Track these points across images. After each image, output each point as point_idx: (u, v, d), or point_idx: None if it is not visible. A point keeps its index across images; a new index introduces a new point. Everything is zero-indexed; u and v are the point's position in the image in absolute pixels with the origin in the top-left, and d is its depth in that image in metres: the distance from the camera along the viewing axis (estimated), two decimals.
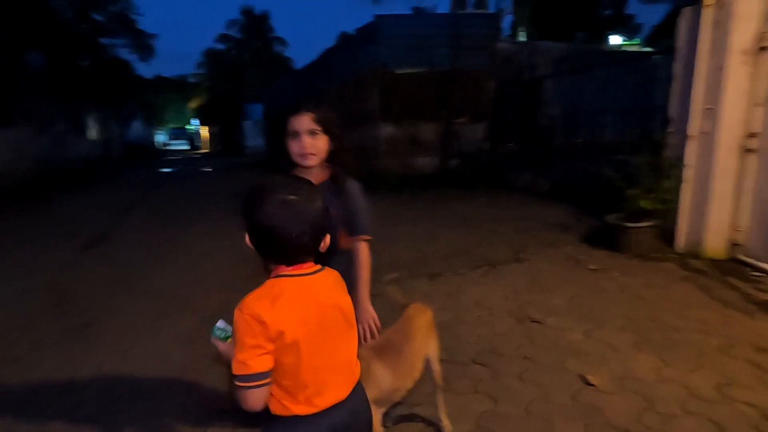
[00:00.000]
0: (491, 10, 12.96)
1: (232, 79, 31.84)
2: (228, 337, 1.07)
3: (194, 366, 2.63)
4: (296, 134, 1.62)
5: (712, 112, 3.94)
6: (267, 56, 33.75)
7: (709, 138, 3.99)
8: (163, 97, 38.12)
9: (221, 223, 6.55)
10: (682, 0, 4.32)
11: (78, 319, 3.40)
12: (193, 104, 39.72)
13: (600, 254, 4.48)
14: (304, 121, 1.61)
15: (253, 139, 24.80)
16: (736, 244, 4.04)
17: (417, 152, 10.00)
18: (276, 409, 1.03)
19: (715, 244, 4.10)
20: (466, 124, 9.76)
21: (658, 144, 4.47)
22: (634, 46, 12.84)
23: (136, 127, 30.53)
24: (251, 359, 0.95)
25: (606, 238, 4.67)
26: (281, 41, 35.67)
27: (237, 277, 4.14)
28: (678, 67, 4.29)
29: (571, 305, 3.34)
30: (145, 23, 25.04)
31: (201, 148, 38.49)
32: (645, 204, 4.18)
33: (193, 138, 43.73)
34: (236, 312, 0.97)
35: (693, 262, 4.09)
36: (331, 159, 1.69)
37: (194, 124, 43.63)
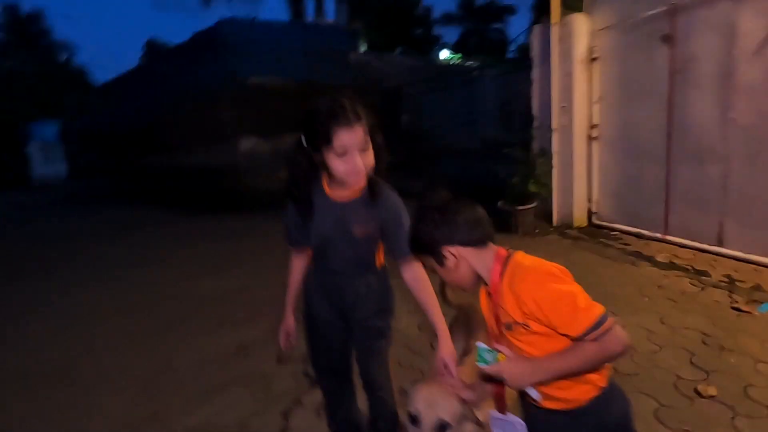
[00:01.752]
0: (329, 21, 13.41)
1: None
2: (494, 359, 0.95)
3: None
4: (345, 152, 1.30)
5: (566, 109, 4.88)
6: (50, 65, 27.49)
7: (567, 130, 4.93)
8: None
9: None
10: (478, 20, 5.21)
11: None
12: None
13: (497, 237, 5.09)
14: (359, 135, 1.30)
15: (46, 165, 19.91)
16: (593, 213, 5.09)
17: (282, 167, 9.57)
18: (587, 395, 0.98)
19: (579, 215, 5.09)
20: None
21: (527, 138, 5.31)
22: (458, 59, 15.01)
23: None
24: (590, 300, 0.90)
25: (498, 223, 5.33)
26: (67, 47, 29.55)
27: None
28: (536, 73, 5.18)
29: None
30: None
31: None
32: (532, 188, 4.91)
33: None
34: (539, 280, 0.92)
35: (569, 231, 5.00)
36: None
37: None
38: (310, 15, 13.46)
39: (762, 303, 2.84)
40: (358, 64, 10.05)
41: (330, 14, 14.86)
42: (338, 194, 1.45)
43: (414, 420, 1.16)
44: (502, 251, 1.03)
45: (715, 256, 3.69)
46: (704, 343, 2.47)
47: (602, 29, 4.59)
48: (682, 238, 4.02)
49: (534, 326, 0.93)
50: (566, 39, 4.73)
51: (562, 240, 4.81)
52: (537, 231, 5.10)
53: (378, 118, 1.39)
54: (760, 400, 1.96)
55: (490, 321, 1.07)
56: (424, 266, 1.16)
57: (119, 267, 5.25)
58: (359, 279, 1.57)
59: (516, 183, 5.09)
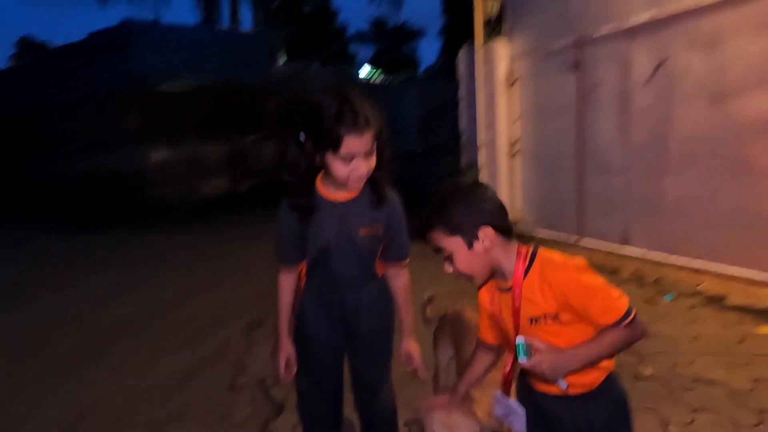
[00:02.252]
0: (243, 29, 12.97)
1: None
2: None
3: None
4: (350, 158, 1.25)
5: (491, 126, 5.30)
6: None
7: (492, 145, 5.34)
8: None
9: None
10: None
11: None
12: None
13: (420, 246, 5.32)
14: (367, 141, 1.26)
15: None
16: (516, 221, 5.55)
17: (199, 176, 8.96)
18: (600, 378, 1.05)
19: None
20: (253, 143, 9.43)
21: (450, 150, 5.65)
22: (379, 76, 15.42)
23: None
24: (618, 290, 0.97)
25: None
26: None
27: None
28: (462, 92, 5.56)
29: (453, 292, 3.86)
30: None
31: None
32: None
33: None
34: (574, 273, 0.98)
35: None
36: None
37: None
38: (224, 22, 12.91)
39: (667, 293, 3.33)
40: (280, 75, 9.86)
41: (246, 23, 14.43)
42: (336, 195, 1.40)
43: None
44: (524, 248, 1.05)
45: (623, 256, 4.25)
46: None
47: (520, 55, 5.10)
48: (595, 239, 4.57)
49: (564, 316, 0.98)
50: (489, 62, 5.16)
51: None
52: None
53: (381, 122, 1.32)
54: (686, 374, 2.30)
55: (504, 316, 1.08)
56: (440, 253, 1.05)
57: (11, 293, 4.49)
58: (362, 287, 1.53)
59: None
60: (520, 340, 0.98)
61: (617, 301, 0.95)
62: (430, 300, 2.12)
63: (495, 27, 5.20)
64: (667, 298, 3.27)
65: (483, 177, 5.46)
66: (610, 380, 1.08)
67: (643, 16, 3.81)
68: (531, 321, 1.02)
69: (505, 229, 1.03)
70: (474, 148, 5.46)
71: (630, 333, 0.96)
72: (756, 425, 1.92)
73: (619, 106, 4.15)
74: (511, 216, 4.90)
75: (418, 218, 1.10)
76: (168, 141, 8.53)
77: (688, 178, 3.73)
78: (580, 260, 1.01)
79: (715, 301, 3.14)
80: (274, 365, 2.13)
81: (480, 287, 1.12)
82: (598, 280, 0.97)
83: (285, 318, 1.59)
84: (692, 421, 1.97)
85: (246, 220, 7.90)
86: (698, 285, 3.42)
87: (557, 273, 0.99)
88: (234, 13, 13.92)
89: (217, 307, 3.84)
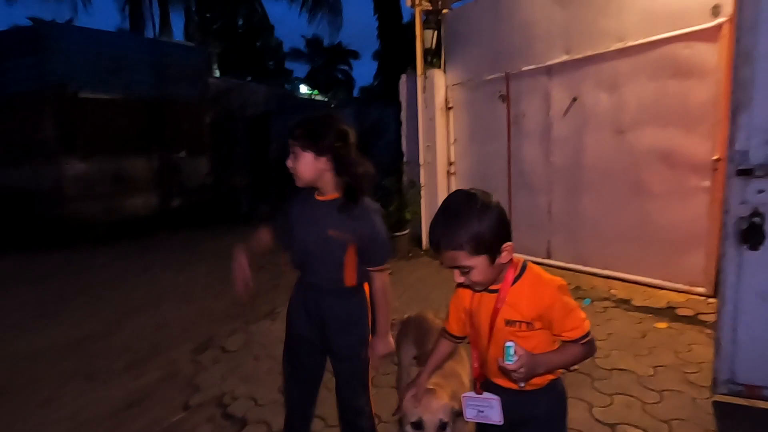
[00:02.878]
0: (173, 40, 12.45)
1: None
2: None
3: None
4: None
5: (431, 148, 5.67)
6: None
7: (432, 166, 5.71)
8: None
9: None
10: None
11: None
12: None
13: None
14: (292, 143, 1.56)
15: None
16: None
17: (125, 192, 8.38)
18: (549, 378, 1.22)
19: None
20: (186, 158, 9.04)
21: (398, 171, 5.93)
22: (317, 95, 15.49)
23: None
24: (584, 314, 1.14)
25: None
26: None
27: None
28: (403, 115, 5.89)
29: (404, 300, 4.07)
30: None
31: None
32: (407, 215, 5.48)
33: None
34: (555, 291, 1.12)
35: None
36: (342, 174, 1.56)
37: None
38: (151, 32, 12.30)
39: (585, 298, 3.81)
40: (216, 88, 9.62)
41: (177, 35, 13.86)
42: (319, 195, 1.62)
43: (419, 426, 1.32)
44: (518, 259, 1.17)
45: (546, 267, 4.75)
46: None
47: (455, 85, 5.56)
48: (522, 254, 5.04)
49: (537, 324, 1.14)
50: (429, 89, 5.57)
51: (432, 261, 5.46)
52: (410, 255, 5.68)
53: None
54: (604, 365, 2.67)
55: (480, 313, 1.20)
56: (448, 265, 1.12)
57: None
58: (335, 295, 1.64)
59: (393, 212, 5.61)
60: (510, 344, 1.06)
61: (583, 322, 1.13)
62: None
63: (433, 57, 5.63)
64: (585, 303, 3.74)
65: (424, 195, 5.80)
66: (557, 380, 1.25)
67: (560, 58, 4.40)
68: (507, 323, 1.15)
69: (511, 241, 1.12)
70: (415, 167, 5.80)
71: (587, 349, 1.15)
72: (658, 402, 2.31)
73: (542, 134, 4.71)
74: None
75: (435, 234, 1.12)
76: (88, 153, 7.90)
77: (598, 198, 4.32)
78: (561, 281, 1.16)
79: (623, 303, 3.67)
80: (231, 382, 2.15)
81: (477, 292, 1.21)
82: (572, 302, 1.14)
83: (256, 237, 1.71)
84: (611, 403, 2.32)
85: (178, 239, 7.55)
86: (610, 290, 3.95)
87: (546, 289, 1.13)
88: (164, 24, 13.36)
89: (158, 330, 3.67)
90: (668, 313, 3.42)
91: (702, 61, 3.46)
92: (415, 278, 4.80)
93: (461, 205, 1.11)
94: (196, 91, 9.21)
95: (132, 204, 8.38)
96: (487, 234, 1.08)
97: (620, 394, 2.39)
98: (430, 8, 5.52)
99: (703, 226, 3.59)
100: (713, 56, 3.39)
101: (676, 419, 2.15)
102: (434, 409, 1.32)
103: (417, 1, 5.39)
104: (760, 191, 2.03)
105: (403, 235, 5.60)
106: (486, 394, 1.25)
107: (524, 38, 4.71)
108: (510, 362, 1.04)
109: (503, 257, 1.11)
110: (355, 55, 27.24)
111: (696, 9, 3.41)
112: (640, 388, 2.44)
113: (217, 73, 11.58)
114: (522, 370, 1.05)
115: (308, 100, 13.17)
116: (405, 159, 5.97)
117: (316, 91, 16.39)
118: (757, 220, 2.04)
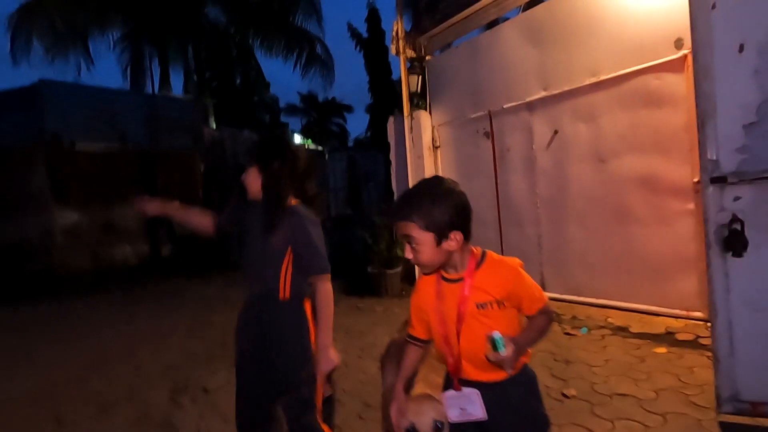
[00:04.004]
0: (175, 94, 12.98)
1: None
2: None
3: None
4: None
5: None
6: None
7: None
8: None
9: None
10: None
11: None
12: None
13: (371, 300, 5.39)
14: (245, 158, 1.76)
15: None
16: None
17: (115, 241, 8.33)
18: (521, 363, 1.25)
19: None
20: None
21: (378, 209, 5.98)
22: (311, 144, 15.95)
23: None
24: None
25: (368, 286, 5.65)
26: None
27: None
28: (392, 155, 6.03)
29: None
30: None
31: None
32: (399, 252, 5.44)
33: None
34: (517, 269, 1.18)
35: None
36: (268, 187, 1.69)
37: None
38: (151, 90, 12.83)
39: (581, 327, 3.71)
40: (210, 138, 9.88)
41: (177, 91, 14.44)
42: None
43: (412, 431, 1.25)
44: (477, 249, 1.24)
45: None
46: (555, 359, 3.10)
47: (441, 125, 5.75)
48: None
49: (506, 303, 1.18)
50: (416, 129, 5.75)
51: None
52: (403, 292, 5.57)
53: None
54: (603, 391, 2.56)
55: (446, 303, 1.21)
56: (406, 237, 1.16)
57: None
58: (270, 309, 1.64)
59: (383, 249, 5.58)
60: (497, 335, 1.07)
61: (541, 293, 1.21)
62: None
63: (419, 100, 5.87)
64: (582, 331, 3.64)
65: None
66: (525, 367, 1.27)
67: (538, 94, 4.60)
68: (478, 306, 1.18)
69: (469, 234, 1.20)
70: None
71: (549, 317, 1.20)
72: (662, 425, 2.19)
73: (527, 167, 4.81)
74: None
75: (395, 204, 1.22)
76: (80, 203, 7.95)
77: (585, 228, 4.33)
78: (519, 261, 1.23)
79: (620, 330, 3.57)
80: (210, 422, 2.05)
81: (426, 275, 1.26)
82: (530, 278, 1.21)
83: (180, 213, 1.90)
84: (612, 429, 2.19)
85: (168, 286, 7.42)
86: (607, 319, 3.86)
87: (509, 269, 1.21)
88: (164, 82, 13.95)
89: (134, 374, 3.51)
90: (667, 338, 3.33)
91: (671, 90, 3.63)
92: (407, 315, 4.67)
93: (425, 185, 1.21)
94: (190, 142, 9.45)
95: (122, 252, 8.31)
96: (437, 214, 1.14)
97: (622, 419, 2.27)
98: (414, 56, 5.83)
99: (692, 249, 3.58)
100: (681, 85, 3.55)
101: None
102: (424, 411, 1.25)
103: (401, 50, 5.71)
104: (737, 198, 2.06)
105: (395, 272, 5.53)
106: (465, 389, 1.22)
107: (503, 78, 4.94)
108: (503, 351, 1.06)
109: (450, 244, 1.16)
110: (349, 109, 28.41)
111: (661, 42, 3.62)
112: (643, 412, 2.32)
113: (213, 126, 11.94)
114: (513, 356, 1.08)
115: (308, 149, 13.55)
116: (395, 197, 6.02)
117: (309, 140, 16.88)
118: (737, 226, 2.05)
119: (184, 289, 7.05)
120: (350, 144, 27.84)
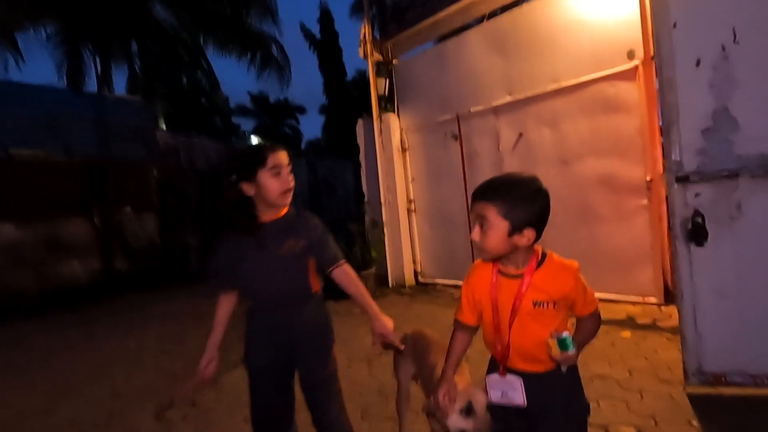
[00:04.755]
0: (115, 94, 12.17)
1: None
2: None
3: None
4: (279, 170, 1.57)
5: (391, 188, 5.86)
6: None
7: (393, 204, 5.87)
8: None
9: None
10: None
11: None
12: None
13: (347, 303, 5.40)
14: (284, 156, 1.62)
15: None
16: (418, 272, 6.01)
17: (62, 257, 7.71)
18: None
19: (409, 275, 5.93)
20: (131, 217, 8.58)
21: (361, 212, 6.03)
22: None
23: None
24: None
25: (341, 291, 5.66)
26: None
27: None
28: (362, 158, 6.09)
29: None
30: None
31: None
32: (373, 254, 5.51)
33: None
34: (576, 273, 1.23)
35: (403, 290, 5.74)
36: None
37: None
38: (91, 88, 11.98)
39: None
40: (165, 144, 9.42)
41: (119, 91, 13.58)
42: (266, 217, 1.63)
43: (469, 411, 1.31)
44: (538, 248, 1.27)
45: None
46: None
47: (410, 127, 5.89)
48: None
49: (560, 303, 1.23)
50: (385, 132, 5.85)
51: (401, 297, 5.48)
52: (377, 294, 5.65)
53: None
54: (584, 375, 2.77)
55: (501, 297, 1.26)
56: (479, 226, 1.20)
57: None
58: (301, 308, 1.66)
59: (357, 252, 5.63)
60: (567, 335, 1.15)
61: (594, 296, 1.27)
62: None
63: (387, 103, 5.98)
64: None
65: (387, 234, 5.90)
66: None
67: (504, 99, 4.86)
68: (534, 304, 1.22)
69: (540, 234, 1.22)
70: (377, 206, 5.93)
71: (599, 319, 1.29)
72: (640, 401, 2.42)
73: (495, 170, 5.05)
74: (413, 268, 5.46)
75: (483, 185, 1.22)
76: (19, 218, 7.29)
77: (551, 227, 4.45)
78: (577, 264, 1.26)
79: None
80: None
81: (484, 261, 1.30)
82: (585, 281, 1.26)
83: (217, 335, 1.70)
84: (598, 407, 2.39)
85: (125, 303, 7.01)
86: None
87: (569, 272, 1.24)
88: (105, 82, 13.09)
89: (112, 398, 3.30)
90: (629, 323, 3.65)
91: (626, 97, 3.98)
92: (394, 314, 4.74)
93: (518, 177, 1.23)
94: (143, 148, 8.96)
95: (70, 269, 7.71)
96: (521, 207, 1.17)
97: (604, 397, 2.48)
98: (381, 59, 5.93)
99: (647, 241, 3.95)
100: (634, 93, 3.92)
101: (659, 414, 2.27)
102: (476, 393, 1.33)
103: (369, 53, 5.79)
104: (697, 194, 2.33)
105: (369, 273, 5.59)
106: (509, 376, 1.29)
107: (470, 83, 5.17)
108: (572, 350, 1.14)
109: (521, 239, 1.19)
110: (302, 110, 27.99)
111: (615, 53, 3.97)
112: (621, 390, 2.55)
113: (164, 128, 11.38)
114: (576, 355, 1.16)
115: None
116: (366, 198, 6.09)
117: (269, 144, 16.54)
118: (698, 219, 2.32)
119: (145, 304, 6.69)
120: (303, 147, 27.48)
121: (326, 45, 19.14)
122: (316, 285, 1.69)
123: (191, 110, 16.25)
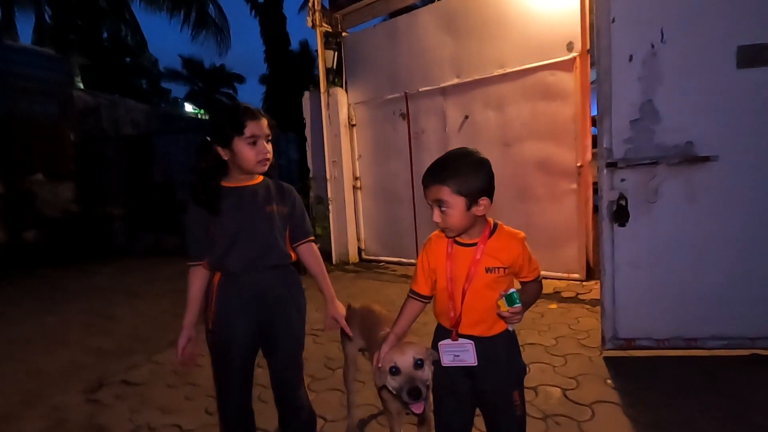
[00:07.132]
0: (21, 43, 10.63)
1: None
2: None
3: None
4: (255, 140, 1.51)
5: (337, 163, 5.79)
6: None
7: (339, 181, 5.82)
8: None
9: None
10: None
11: None
12: None
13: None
14: (264, 126, 1.53)
15: None
16: (362, 249, 6.07)
17: None
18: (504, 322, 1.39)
19: (353, 252, 5.97)
20: (44, 183, 7.72)
21: (306, 187, 5.91)
22: (203, 116, 14.49)
23: None
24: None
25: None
26: None
27: None
28: (308, 132, 5.93)
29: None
30: None
31: None
32: (318, 231, 5.45)
33: None
34: (523, 241, 1.32)
35: (347, 267, 5.78)
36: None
37: None
38: None
39: None
40: (83, 104, 8.49)
41: (24, 42, 11.89)
42: (241, 183, 1.58)
43: (395, 371, 1.37)
44: (491, 219, 1.36)
45: None
46: None
47: (357, 103, 5.82)
48: None
49: (509, 270, 1.33)
50: (333, 107, 5.73)
51: (345, 274, 5.51)
52: None
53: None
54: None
55: (457, 264, 1.34)
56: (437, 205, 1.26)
57: None
58: (285, 276, 1.64)
59: None
60: (514, 291, 1.21)
61: (537, 264, 1.38)
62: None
63: (335, 77, 5.84)
64: None
65: (332, 210, 5.86)
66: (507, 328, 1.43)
67: (452, 81, 4.95)
68: (487, 270, 1.31)
69: (491, 199, 1.29)
70: (322, 182, 5.85)
71: (541, 285, 1.42)
72: (564, 365, 2.68)
73: (440, 149, 5.16)
74: (356, 245, 5.55)
75: (430, 169, 1.28)
76: None
77: (493, 205, 4.86)
78: (523, 234, 1.36)
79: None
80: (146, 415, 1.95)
81: (449, 238, 1.35)
82: (530, 250, 1.36)
83: (192, 311, 1.61)
84: (530, 371, 2.62)
85: (37, 277, 6.38)
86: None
87: (517, 240, 1.34)
88: (7, 27, 11.44)
89: (29, 378, 3.04)
90: (556, 296, 3.98)
91: (563, 86, 4.23)
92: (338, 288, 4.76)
93: (459, 153, 1.30)
94: (56, 107, 8.02)
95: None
96: (470, 179, 1.24)
97: (534, 362, 2.72)
98: (330, 30, 5.75)
99: (575, 222, 4.30)
100: (571, 83, 4.17)
101: (580, 375, 2.53)
102: (405, 351, 1.38)
103: (318, 23, 5.58)
104: (623, 180, 2.57)
105: None
106: (461, 340, 1.37)
107: (420, 62, 5.19)
108: (518, 305, 1.21)
109: (479, 209, 1.27)
110: (240, 78, 26.44)
111: (556, 44, 4.18)
112: (549, 356, 2.81)
113: (81, 85, 10.21)
114: (522, 310, 1.25)
115: (196, 119, 12.31)
116: (311, 174, 5.98)
117: (203, 111, 15.39)
118: (622, 202, 2.57)
119: (63, 280, 6.13)
120: None
121: (269, 10, 18.11)
122: (294, 255, 1.66)
123: (113, 69, 14.68)
